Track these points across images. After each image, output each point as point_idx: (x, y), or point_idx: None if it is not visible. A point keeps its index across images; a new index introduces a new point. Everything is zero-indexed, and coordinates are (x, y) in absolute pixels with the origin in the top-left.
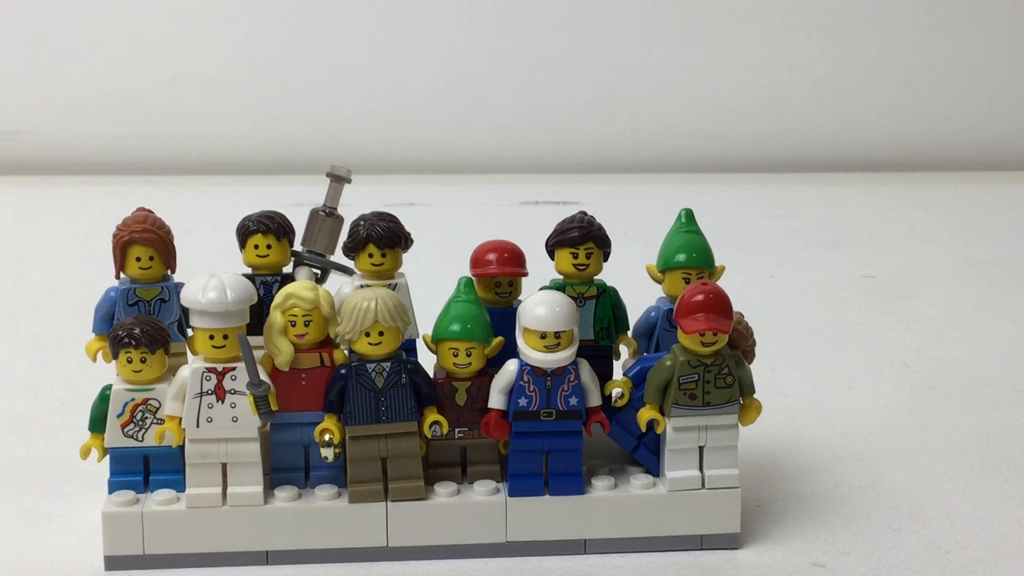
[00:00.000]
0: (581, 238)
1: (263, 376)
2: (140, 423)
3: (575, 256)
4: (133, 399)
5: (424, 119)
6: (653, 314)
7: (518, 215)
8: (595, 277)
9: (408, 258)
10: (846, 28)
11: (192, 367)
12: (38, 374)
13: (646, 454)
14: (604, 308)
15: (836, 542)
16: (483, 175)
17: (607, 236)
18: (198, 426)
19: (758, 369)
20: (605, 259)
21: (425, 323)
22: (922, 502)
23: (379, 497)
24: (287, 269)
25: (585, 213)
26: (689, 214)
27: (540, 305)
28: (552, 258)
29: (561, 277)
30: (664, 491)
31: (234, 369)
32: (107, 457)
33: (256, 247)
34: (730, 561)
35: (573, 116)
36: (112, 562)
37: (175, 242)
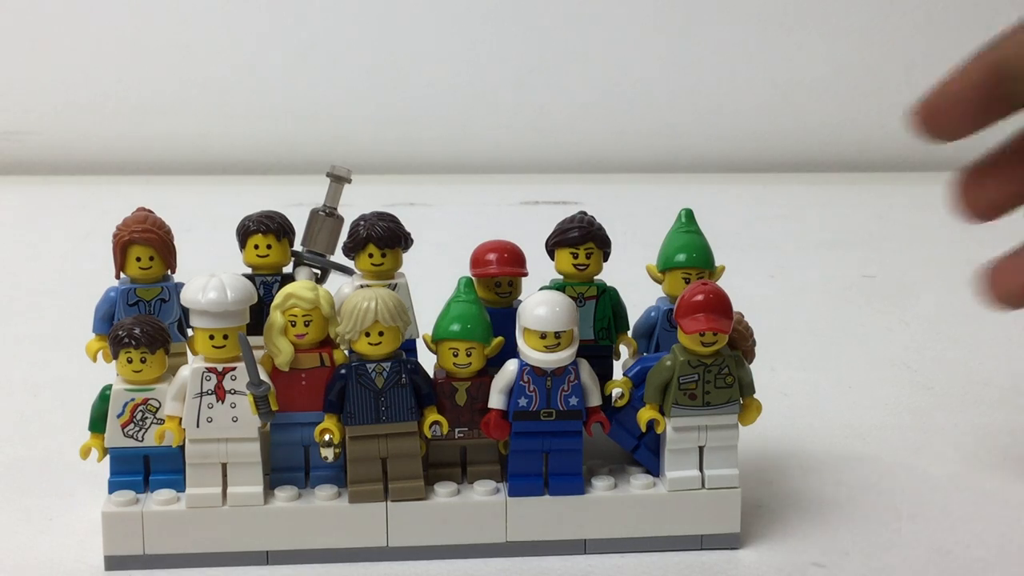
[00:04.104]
0: (581, 238)
1: (263, 376)
2: (140, 423)
3: (575, 256)
4: (133, 399)
5: (425, 119)
6: (653, 314)
7: (519, 215)
8: (595, 277)
9: (409, 258)
10: (846, 28)
11: (192, 367)
12: (38, 374)
13: (646, 454)
14: (604, 308)
15: (836, 542)
16: (484, 175)
17: (607, 236)
18: (198, 426)
19: (758, 369)
20: (605, 259)
21: (426, 323)
22: (922, 502)
23: (379, 497)
24: (287, 269)
25: (585, 213)
26: (689, 214)
27: (540, 305)
28: (552, 258)
29: (561, 277)
30: (664, 491)
31: (234, 369)
32: (107, 457)
33: (256, 247)
34: (730, 561)
35: (573, 116)
36: (112, 562)
37: (175, 242)
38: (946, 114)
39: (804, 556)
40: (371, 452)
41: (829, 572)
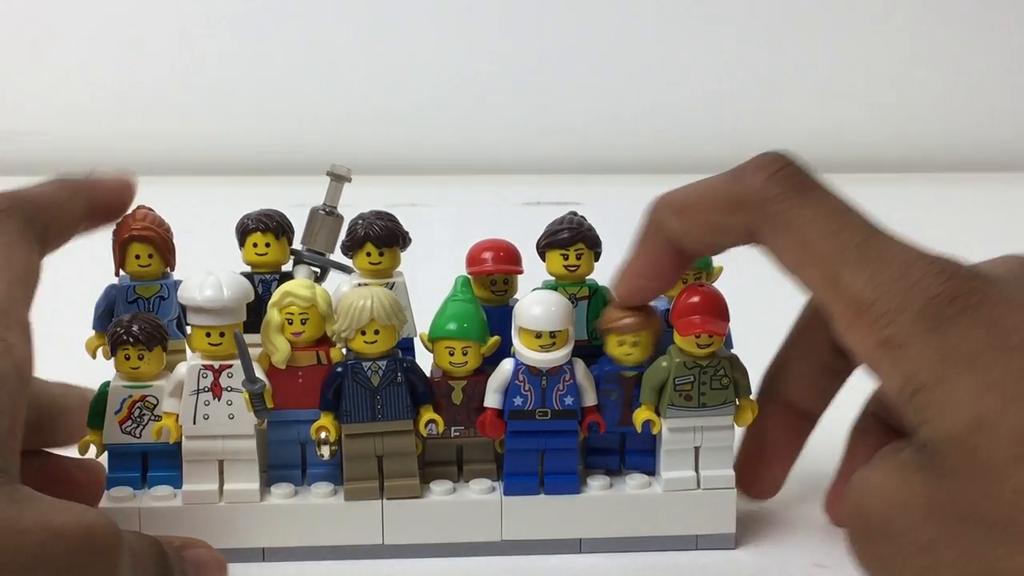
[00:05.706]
0: (571, 239)
1: (259, 374)
2: (138, 420)
3: (565, 257)
4: (131, 396)
5: (426, 120)
6: None
7: (519, 216)
8: (587, 277)
9: (410, 259)
10: (846, 28)
11: (189, 364)
12: (38, 371)
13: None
14: (596, 308)
15: (837, 543)
16: (484, 176)
17: (597, 236)
18: (195, 423)
19: (756, 370)
20: (596, 259)
21: (425, 322)
22: None
23: (375, 495)
24: (286, 267)
25: (575, 214)
26: None
27: (535, 305)
28: (543, 260)
29: (553, 279)
30: (659, 491)
31: (231, 367)
32: (105, 453)
33: (255, 245)
34: (732, 562)
35: (574, 117)
36: None
37: (175, 240)
38: (641, 283)
39: (806, 557)
40: (367, 450)
41: (832, 573)
